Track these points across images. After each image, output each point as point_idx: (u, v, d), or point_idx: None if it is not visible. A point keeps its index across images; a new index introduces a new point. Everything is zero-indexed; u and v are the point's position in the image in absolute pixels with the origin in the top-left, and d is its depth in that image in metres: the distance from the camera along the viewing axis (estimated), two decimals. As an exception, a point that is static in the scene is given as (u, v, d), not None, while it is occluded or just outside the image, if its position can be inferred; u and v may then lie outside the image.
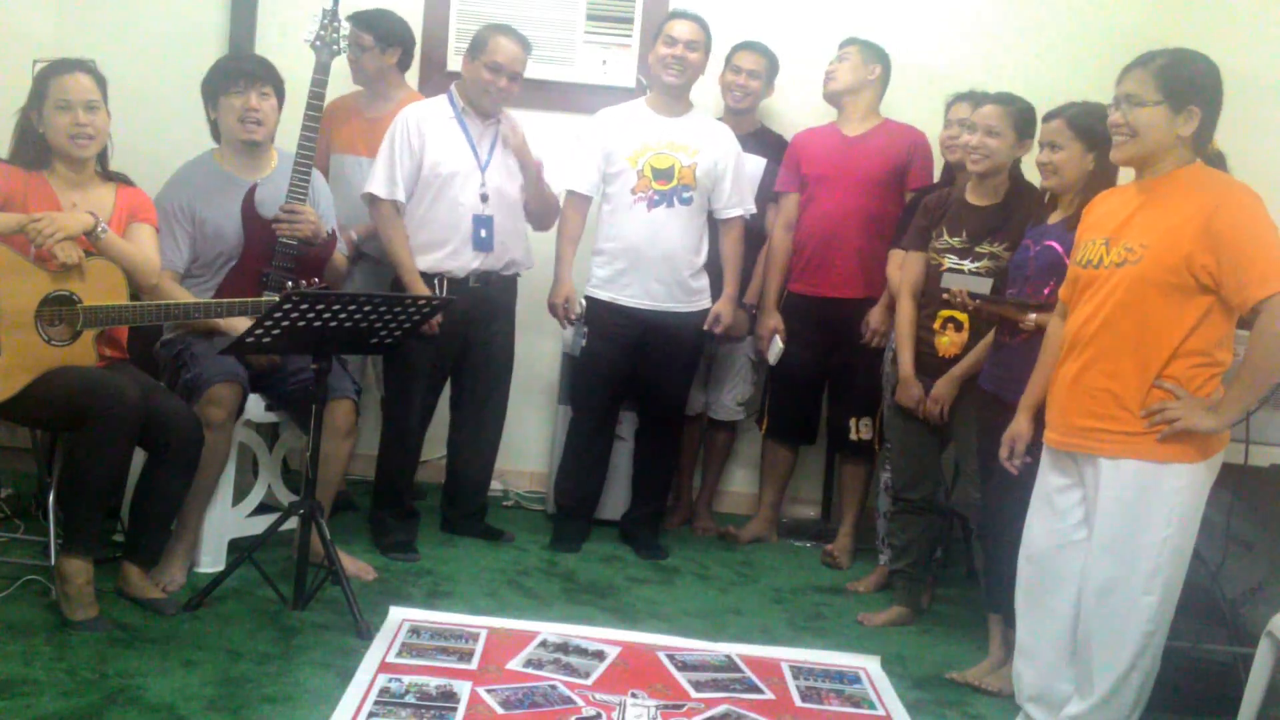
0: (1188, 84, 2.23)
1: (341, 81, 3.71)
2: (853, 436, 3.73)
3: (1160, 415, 2.21)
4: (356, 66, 3.68)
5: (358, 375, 3.68)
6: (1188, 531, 2.28)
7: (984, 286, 2.80)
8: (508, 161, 3.48)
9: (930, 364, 3.10)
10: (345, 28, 3.23)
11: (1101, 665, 2.31)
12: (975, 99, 3.27)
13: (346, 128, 3.71)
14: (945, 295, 2.95)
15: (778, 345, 3.72)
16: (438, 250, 3.40)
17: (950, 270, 3.00)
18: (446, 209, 3.39)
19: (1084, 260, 2.36)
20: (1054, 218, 2.72)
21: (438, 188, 3.39)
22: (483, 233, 3.41)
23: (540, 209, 3.59)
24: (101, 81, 2.85)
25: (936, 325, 3.06)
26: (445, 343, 3.43)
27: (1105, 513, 2.28)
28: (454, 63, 4.01)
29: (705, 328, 3.61)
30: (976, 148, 2.99)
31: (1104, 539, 2.29)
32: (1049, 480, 2.44)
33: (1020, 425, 2.56)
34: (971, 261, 3.00)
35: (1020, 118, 2.98)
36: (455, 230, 3.40)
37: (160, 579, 2.89)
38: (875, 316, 3.61)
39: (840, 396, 3.79)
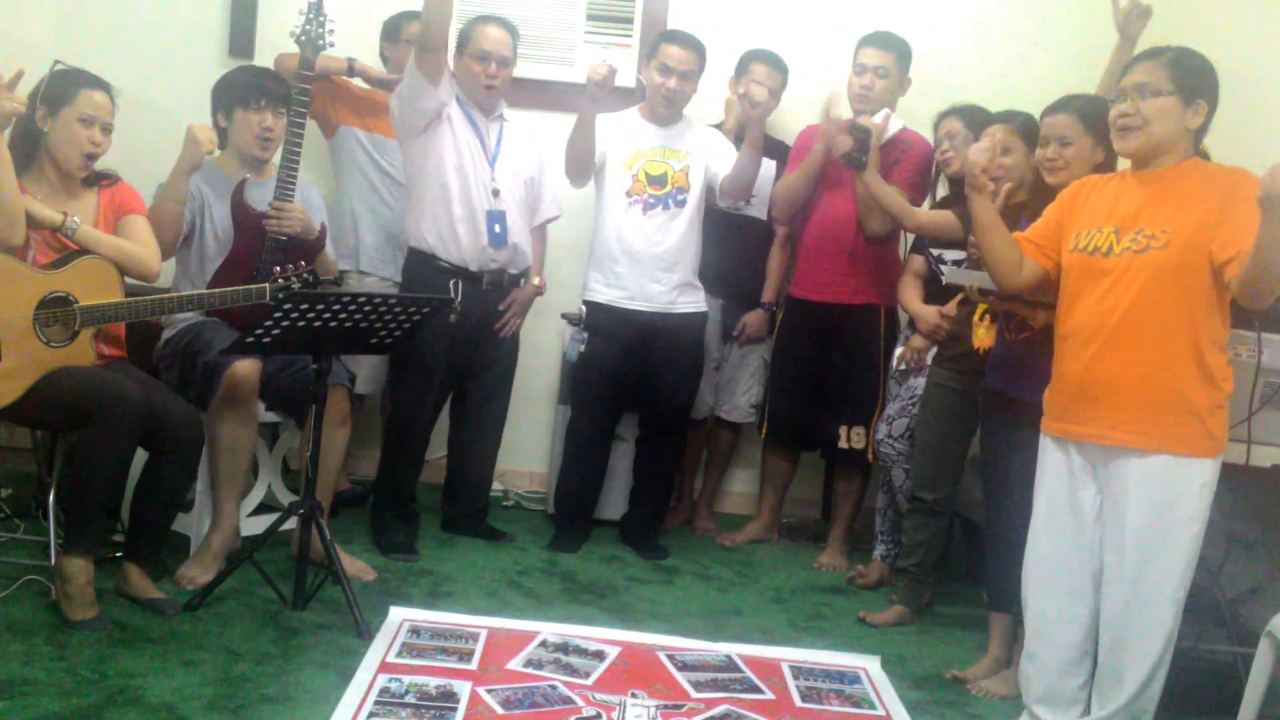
0: (1197, 77, 2.25)
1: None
2: (843, 444, 3.64)
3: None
4: (394, 61, 3.71)
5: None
6: (1204, 528, 2.29)
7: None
8: (514, 157, 3.50)
9: (962, 357, 3.03)
10: (331, 23, 3.21)
11: (1135, 664, 2.29)
12: (966, 114, 3.26)
13: (353, 102, 3.73)
14: (959, 290, 2.86)
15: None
16: (454, 244, 3.39)
17: (953, 264, 2.90)
18: (460, 204, 3.39)
19: (1090, 248, 2.32)
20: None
21: (450, 183, 3.38)
22: (497, 228, 3.42)
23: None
24: (115, 107, 2.86)
25: (976, 318, 2.94)
26: (459, 346, 3.43)
27: (1138, 513, 2.26)
28: (454, 63, 4.00)
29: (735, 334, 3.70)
30: (1004, 166, 2.85)
31: (1137, 539, 2.26)
32: (1063, 481, 2.40)
33: None
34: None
35: (1027, 128, 2.88)
36: (470, 225, 3.39)
37: (186, 573, 2.93)
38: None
39: (833, 404, 3.69)
